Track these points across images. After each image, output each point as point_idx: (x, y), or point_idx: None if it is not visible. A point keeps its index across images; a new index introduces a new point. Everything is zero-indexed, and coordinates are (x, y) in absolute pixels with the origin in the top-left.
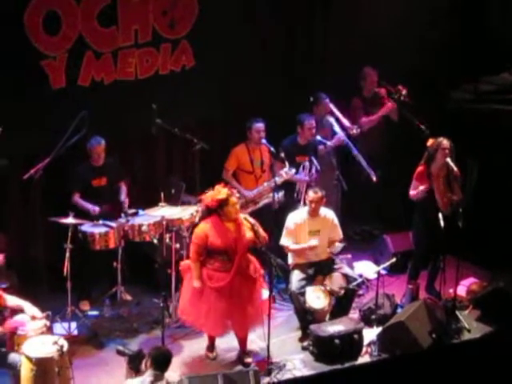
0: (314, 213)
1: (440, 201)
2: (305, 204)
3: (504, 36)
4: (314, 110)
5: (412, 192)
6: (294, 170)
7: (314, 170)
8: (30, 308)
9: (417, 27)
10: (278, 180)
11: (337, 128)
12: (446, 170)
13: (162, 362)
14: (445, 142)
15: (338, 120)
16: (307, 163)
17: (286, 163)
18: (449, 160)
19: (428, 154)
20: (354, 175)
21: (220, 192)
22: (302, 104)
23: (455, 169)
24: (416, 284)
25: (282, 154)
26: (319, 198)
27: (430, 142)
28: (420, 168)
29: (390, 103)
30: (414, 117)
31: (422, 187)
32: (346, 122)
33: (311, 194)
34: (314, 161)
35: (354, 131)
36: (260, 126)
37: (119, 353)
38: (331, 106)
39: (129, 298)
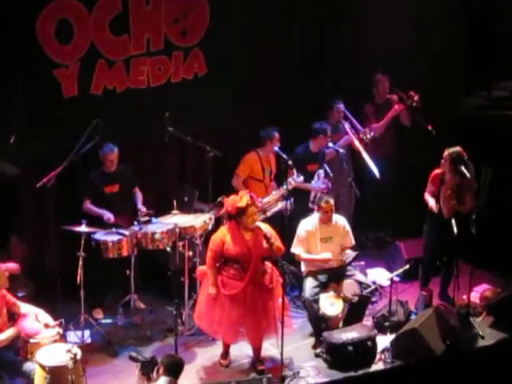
0: (326, 220)
1: (442, 206)
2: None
3: None
4: (328, 115)
5: (426, 195)
6: (302, 178)
7: (327, 178)
8: (43, 316)
9: (428, 34)
10: (287, 188)
11: (350, 132)
12: (458, 180)
13: (174, 369)
14: (449, 153)
15: (352, 124)
16: (321, 171)
17: (294, 170)
18: (466, 172)
19: (442, 161)
20: (367, 181)
21: (241, 199)
22: (315, 111)
23: (467, 174)
24: (429, 291)
25: (290, 162)
26: (331, 207)
27: (445, 152)
28: (436, 171)
29: (396, 105)
30: (425, 122)
31: (432, 202)
32: (359, 127)
33: (323, 204)
34: (326, 167)
35: (368, 136)
36: (277, 135)
37: (132, 359)
38: (345, 111)
39: (142, 306)
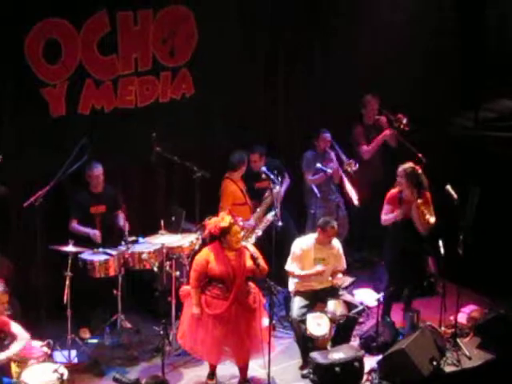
0: (324, 243)
1: (418, 224)
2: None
3: (503, 60)
4: (315, 144)
5: (384, 216)
6: (278, 187)
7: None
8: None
9: (416, 53)
10: (267, 201)
11: (335, 161)
12: (417, 194)
13: None
14: (405, 169)
15: (337, 155)
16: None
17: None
18: (449, 187)
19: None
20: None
21: (223, 219)
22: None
23: (454, 194)
24: (415, 311)
25: (264, 175)
26: (336, 232)
27: (400, 169)
28: (392, 191)
29: (387, 130)
30: (412, 146)
31: (395, 213)
32: (344, 158)
33: (329, 229)
34: (315, 189)
35: (353, 168)
36: (248, 157)
37: (116, 381)
38: (332, 140)
39: (129, 325)
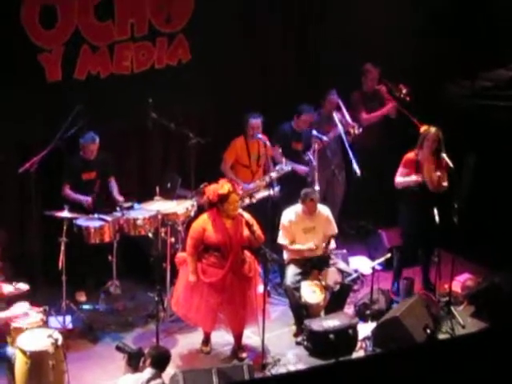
0: (309, 213)
1: (428, 181)
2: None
3: (503, 30)
4: (322, 105)
5: (399, 179)
6: (289, 167)
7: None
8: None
9: (415, 22)
10: (274, 175)
11: (338, 124)
12: (433, 159)
13: (161, 361)
14: (431, 133)
15: (342, 116)
16: (309, 154)
17: (283, 159)
18: (444, 155)
19: (418, 141)
20: (350, 171)
21: (222, 187)
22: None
23: (450, 164)
24: (410, 279)
25: (280, 150)
26: (314, 206)
27: (422, 129)
28: (409, 155)
29: (391, 104)
30: (412, 116)
31: (413, 177)
32: (349, 120)
33: (308, 202)
34: (310, 155)
35: (356, 131)
36: (256, 122)
37: (119, 349)
38: (339, 101)
39: (123, 291)
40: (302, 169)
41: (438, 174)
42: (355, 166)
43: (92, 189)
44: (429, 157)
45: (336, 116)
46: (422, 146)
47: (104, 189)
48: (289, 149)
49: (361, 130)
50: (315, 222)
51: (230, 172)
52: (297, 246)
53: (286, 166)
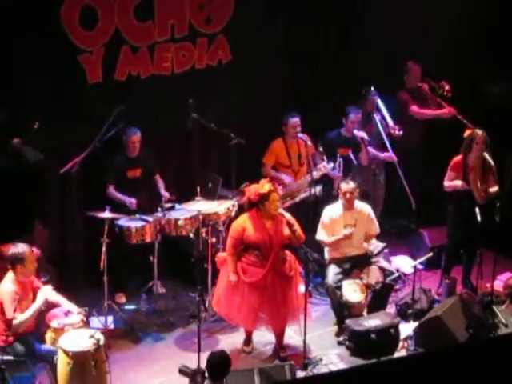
0: (348, 205)
1: (476, 193)
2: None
3: None
4: (362, 104)
5: (447, 183)
6: (331, 165)
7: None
8: (67, 304)
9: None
10: (316, 174)
11: (379, 124)
12: (481, 162)
13: (217, 369)
14: (479, 135)
15: (382, 117)
16: (340, 159)
17: (324, 157)
18: (486, 154)
19: (465, 144)
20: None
21: (263, 186)
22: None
23: (492, 162)
24: (452, 278)
25: (321, 149)
26: (352, 189)
27: (467, 132)
28: (456, 158)
29: (450, 108)
30: (468, 121)
31: (459, 182)
32: (390, 122)
33: (343, 186)
34: (351, 155)
35: (397, 132)
36: (295, 120)
37: (182, 372)
38: (379, 102)
39: (165, 292)
40: (336, 175)
41: (485, 186)
42: (412, 202)
43: (137, 187)
44: (475, 160)
45: (376, 117)
46: (471, 149)
47: (148, 188)
48: (335, 155)
49: (401, 132)
50: (356, 219)
51: (272, 172)
52: (333, 238)
53: (328, 164)
